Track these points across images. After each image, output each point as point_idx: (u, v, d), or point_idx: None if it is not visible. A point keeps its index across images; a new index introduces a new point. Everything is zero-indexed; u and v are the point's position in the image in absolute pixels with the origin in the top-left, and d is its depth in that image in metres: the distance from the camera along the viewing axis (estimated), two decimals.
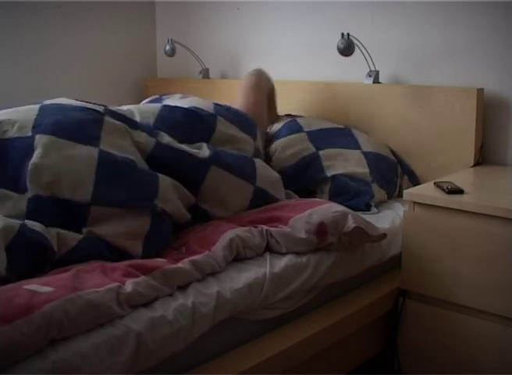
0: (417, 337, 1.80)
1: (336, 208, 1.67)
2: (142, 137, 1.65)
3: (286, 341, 1.49)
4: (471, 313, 1.69)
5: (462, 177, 1.97)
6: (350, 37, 2.35)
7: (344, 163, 2.14)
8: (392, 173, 2.21)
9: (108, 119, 1.62)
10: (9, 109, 1.67)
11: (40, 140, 1.47)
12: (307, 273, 1.57)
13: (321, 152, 2.18)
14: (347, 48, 2.35)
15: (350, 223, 1.62)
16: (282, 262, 1.54)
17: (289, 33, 2.81)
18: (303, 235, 1.58)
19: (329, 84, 2.54)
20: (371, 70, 2.42)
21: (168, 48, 3.10)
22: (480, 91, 2.13)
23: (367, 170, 2.12)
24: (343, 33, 2.36)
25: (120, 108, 1.82)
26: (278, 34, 2.85)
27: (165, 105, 1.89)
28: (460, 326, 1.71)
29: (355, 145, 2.24)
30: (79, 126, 1.54)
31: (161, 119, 1.80)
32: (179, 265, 1.36)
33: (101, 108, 1.67)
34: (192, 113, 1.87)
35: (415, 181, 2.26)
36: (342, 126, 2.37)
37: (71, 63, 3.11)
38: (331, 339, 1.62)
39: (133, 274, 1.29)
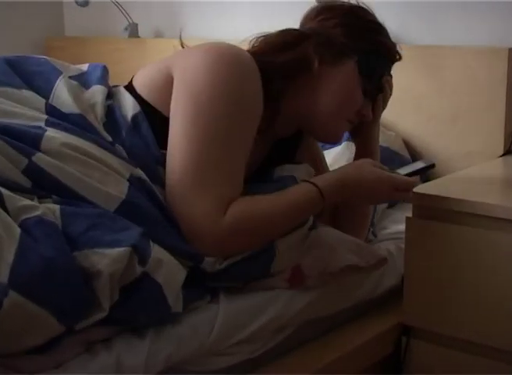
0: None
1: (323, 238, 1.67)
2: None
3: None
4: (497, 357, 1.69)
5: (487, 171, 1.98)
6: None
7: None
8: None
9: None
10: None
11: None
12: (276, 308, 1.59)
13: None
14: None
15: (340, 260, 1.64)
16: (240, 297, 1.56)
17: None
18: (268, 285, 1.61)
19: None
20: None
21: None
22: None
23: None
24: None
25: None
26: None
27: None
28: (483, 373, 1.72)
29: None
30: None
31: None
32: None
33: None
34: None
35: None
36: None
37: None
38: None
39: None
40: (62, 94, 1.56)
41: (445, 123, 2.28)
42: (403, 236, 1.79)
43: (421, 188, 1.79)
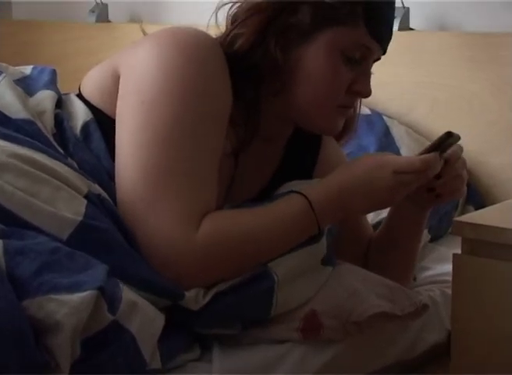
0: None
1: (344, 277, 1.71)
2: None
3: None
4: None
5: None
6: None
7: None
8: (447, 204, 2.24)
9: None
10: None
11: None
12: (286, 368, 1.58)
13: None
14: None
15: (366, 307, 1.63)
16: (238, 354, 1.57)
17: None
18: (275, 336, 1.63)
19: None
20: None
21: None
22: None
23: None
24: None
25: None
26: None
27: None
28: None
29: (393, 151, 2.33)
30: None
31: None
32: None
33: None
34: None
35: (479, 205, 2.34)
36: (367, 111, 2.44)
37: None
38: None
39: None
40: (6, 96, 1.59)
41: (506, 131, 2.29)
42: (450, 279, 1.77)
43: (473, 217, 1.79)
